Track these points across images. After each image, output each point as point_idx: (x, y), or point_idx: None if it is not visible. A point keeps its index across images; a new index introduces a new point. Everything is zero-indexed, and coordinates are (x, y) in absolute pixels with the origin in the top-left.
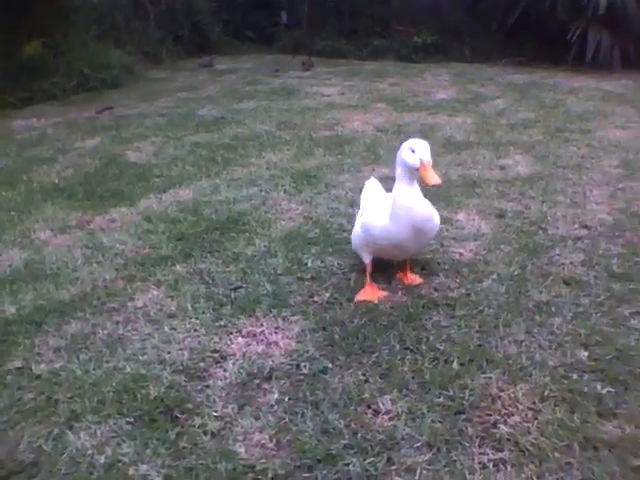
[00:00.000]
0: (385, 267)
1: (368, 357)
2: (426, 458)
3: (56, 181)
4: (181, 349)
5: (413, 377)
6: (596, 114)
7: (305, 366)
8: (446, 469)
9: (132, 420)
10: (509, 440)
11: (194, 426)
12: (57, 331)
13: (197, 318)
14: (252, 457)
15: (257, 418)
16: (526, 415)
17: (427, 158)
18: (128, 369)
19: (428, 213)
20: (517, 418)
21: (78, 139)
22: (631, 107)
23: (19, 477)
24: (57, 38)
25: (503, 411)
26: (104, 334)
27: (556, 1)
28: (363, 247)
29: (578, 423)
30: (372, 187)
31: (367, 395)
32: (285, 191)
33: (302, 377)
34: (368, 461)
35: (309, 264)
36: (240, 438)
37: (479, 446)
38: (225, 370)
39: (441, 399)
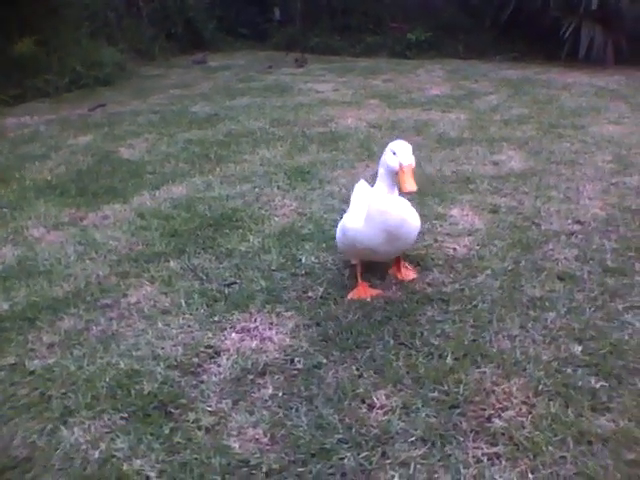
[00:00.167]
0: (378, 263)
1: (362, 352)
2: (420, 452)
3: (49, 178)
4: (175, 345)
5: (407, 372)
6: (589, 110)
7: (299, 361)
8: (440, 463)
9: (126, 415)
10: (503, 434)
11: (188, 421)
12: (50, 327)
13: (191, 314)
14: (246, 452)
15: (251, 413)
16: (520, 409)
17: (407, 162)
18: (122, 365)
19: (402, 218)
20: (511, 412)
21: (70, 136)
22: (624, 103)
23: (13, 472)
24: (49, 35)
25: (497, 405)
26: (98, 330)
27: None
28: (344, 250)
29: (572, 417)
30: (361, 190)
31: (361, 390)
32: (279, 187)
33: (296, 372)
34: (362, 455)
35: (303, 260)
36: (234, 433)
37: (473, 440)
38: (219, 365)
39: (435, 394)
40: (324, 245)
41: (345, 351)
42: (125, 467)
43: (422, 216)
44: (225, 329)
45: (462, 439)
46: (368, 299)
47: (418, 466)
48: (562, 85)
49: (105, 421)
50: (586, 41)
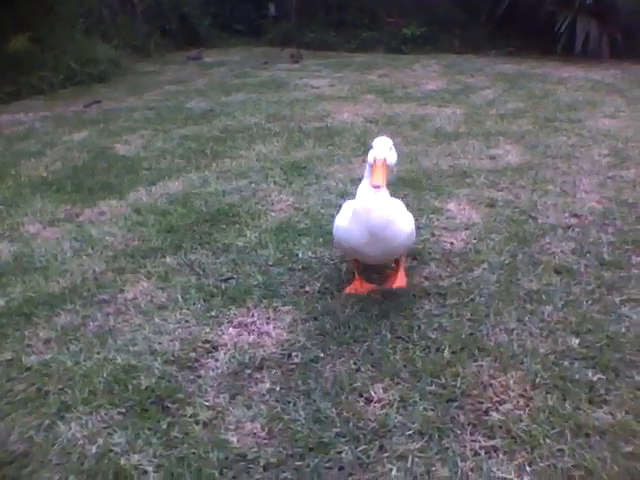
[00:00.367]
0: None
1: (360, 346)
2: (418, 446)
3: (44, 175)
4: (172, 340)
5: (405, 365)
6: (585, 104)
7: (297, 355)
8: (438, 456)
9: (123, 410)
10: (501, 427)
11: (186, 416)
12: (47, 323)
13: (188, 309)
14: (244, 446)
15: (249, 407)
16: (518, 402)
17: (380, 156)
18: (119, 360)
19: (385, 219)
20: (509, 405)
21: (66, 133)
22: (620, 96)
23: (10, 468)
24: (44, 32)
25: (495, 399)
26: (94, 325)
27: None
28: (337, 247)
29: (569, 410)
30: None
31: (359, 384)
32: (275, 183)
33: (294, 366)
34: (360, 449)
35: (300, 255)
36: (232, 427)
37: (471, 433)
38: (216, 360)
39: (433, 387)
40: (321, 240)
41: (342, 345)
42: (122, 462)
43: (419, 210)
44: (222, 324)
45: (460, 432)
46: (365, 294)
47: (416, 459)
48: (558, 79)
49: (102, 416)
50: (581, 35)
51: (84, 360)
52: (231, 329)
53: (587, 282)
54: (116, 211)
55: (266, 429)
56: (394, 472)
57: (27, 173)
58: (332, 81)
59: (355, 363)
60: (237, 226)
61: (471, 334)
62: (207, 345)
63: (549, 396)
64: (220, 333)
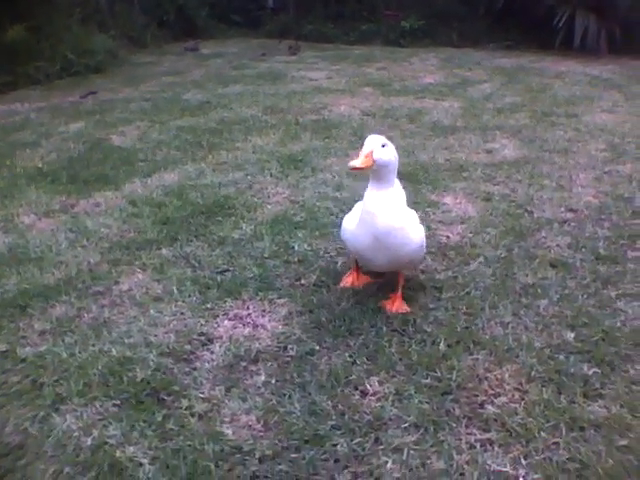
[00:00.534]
0: None
1: (355, 339)
2: (413, 438)
3: (40, 165)
4: (167, 332)
5: (400, 359)
6: (583, 98)
7: (292, 348)
8: (433, 449)
9: (118, 402)
10: (496, 420)
11: (181, 408)
12: (42, 314)
13: (183, 301)
14: (239, 438)
15: (244, 400)
16: (513, 396)
17: (365, 150)
18: (114, 352)
19: (390, 225)
20: (504, 399)
21: (62, 124)
22: (617, 92)
23: (5, 460)
24: (41, 22)
25: (490, 392)
26: (89, 317)
27: None
28: (346, 247)
29: (565, 404)
30: None
31: (354, 376)
32: (271, 175)
33: (289, 359)
34: (355, 442)
35: (296, 247)
36: (227, 420)
37: (466, 426)
38: (212, 353)
39: (428, 380)
40: (317, 233)
41: (338, 338)
42: (118, 454)
43: (415, 204)
44: (218, 316)
45: (455, 425)
46: (361, 287)
47: (411, 452)
48: (555, 74)
49: (97, 408)
50: (580, 30)
51: (79, 352)
52: (226, 321)
53: (583, 276)
54: (111, 202)
55: (261, 421)
56: (389, 464)
57: (22, 164)
58: (330, 73)
59: (351, 356)
60: (233, 218)
61: (467, 327)
62: (202, 337)
63: (544, 389)
64: (215, 325)
